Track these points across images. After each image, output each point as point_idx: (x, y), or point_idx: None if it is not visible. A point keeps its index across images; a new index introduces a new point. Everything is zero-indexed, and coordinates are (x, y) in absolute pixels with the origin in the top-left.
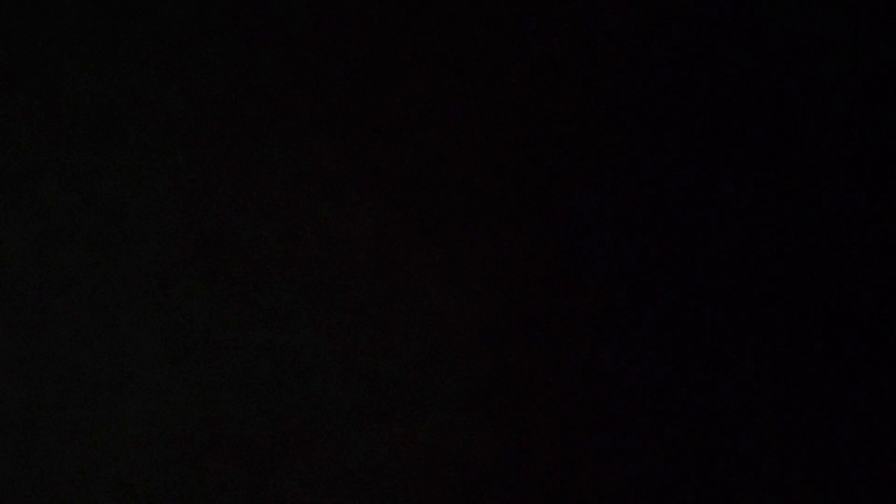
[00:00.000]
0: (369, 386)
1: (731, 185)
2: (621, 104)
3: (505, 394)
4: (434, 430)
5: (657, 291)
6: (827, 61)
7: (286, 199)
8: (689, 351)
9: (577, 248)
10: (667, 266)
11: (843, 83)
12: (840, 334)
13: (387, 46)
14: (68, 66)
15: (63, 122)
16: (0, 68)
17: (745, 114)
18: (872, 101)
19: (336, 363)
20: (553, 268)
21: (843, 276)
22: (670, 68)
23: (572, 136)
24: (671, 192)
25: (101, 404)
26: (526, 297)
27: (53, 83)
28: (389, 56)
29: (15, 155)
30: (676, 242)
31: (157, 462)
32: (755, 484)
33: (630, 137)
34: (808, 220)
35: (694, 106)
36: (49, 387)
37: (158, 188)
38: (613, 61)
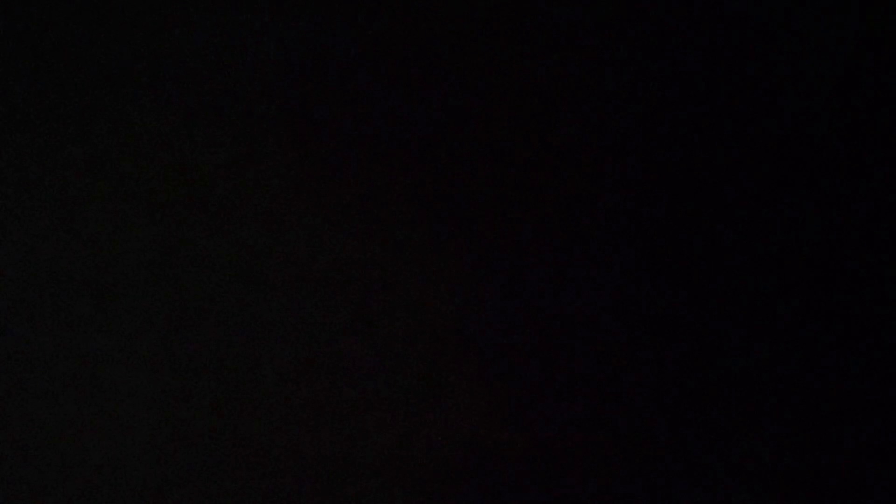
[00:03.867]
0: (371, 384)
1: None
2: (619, 103)
3: (502, 394)
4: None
5: (655, 291)
6: (826, 61)
7: (282, 199)
8: (688, 349)
9: (577, 247)
10: (662, 264)
11: (842, 83)
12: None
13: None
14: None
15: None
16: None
17: (744, 113)
18: (872, 101)
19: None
20: (551, 268)
21: (842, 275)
22: (666, 68)
23: (570, 135)
24: (669, 191)
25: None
26: (523, 297)
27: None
28: (385, 54)
29: None
30: (673, 240)
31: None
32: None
33: (628, 136)
34: (807, 220)
35: (694, 105)
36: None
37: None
38: (609, 61)
